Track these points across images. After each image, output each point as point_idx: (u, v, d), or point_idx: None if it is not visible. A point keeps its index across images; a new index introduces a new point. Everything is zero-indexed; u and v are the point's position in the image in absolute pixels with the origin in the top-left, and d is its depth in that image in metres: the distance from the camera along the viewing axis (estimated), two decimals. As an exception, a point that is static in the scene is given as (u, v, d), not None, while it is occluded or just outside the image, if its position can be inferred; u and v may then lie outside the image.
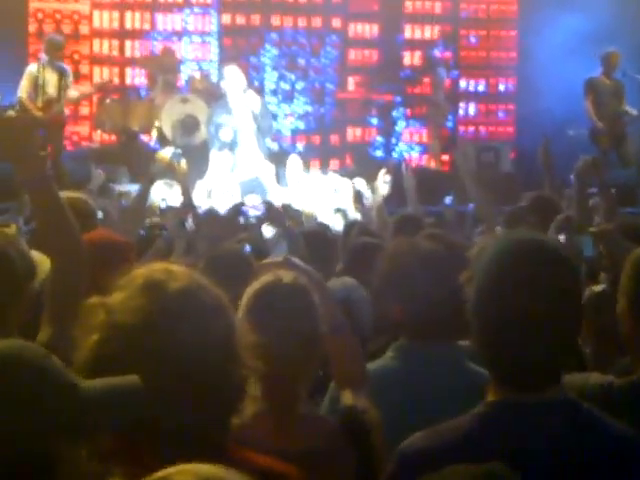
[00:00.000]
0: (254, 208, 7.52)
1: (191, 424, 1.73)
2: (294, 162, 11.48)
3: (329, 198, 10.59)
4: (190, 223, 6.31)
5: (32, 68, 11.78)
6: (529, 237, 2.15)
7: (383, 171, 9.79)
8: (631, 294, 2.64)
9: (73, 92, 12.03)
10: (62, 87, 11.71)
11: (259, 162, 11.20)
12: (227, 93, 11.32)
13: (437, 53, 14.80)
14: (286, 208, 7.09)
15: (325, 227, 6.62)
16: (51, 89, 11.64)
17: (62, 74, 11.77)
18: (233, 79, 11.30)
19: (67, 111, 12.20)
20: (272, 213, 5.88)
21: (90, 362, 1.74)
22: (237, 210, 6.61)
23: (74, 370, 1.71)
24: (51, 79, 11.67)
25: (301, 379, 2.60)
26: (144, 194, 5.76)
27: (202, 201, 10.03)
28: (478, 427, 2.06)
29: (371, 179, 9.62)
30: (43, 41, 12.25)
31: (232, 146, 11.12)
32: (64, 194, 4.28)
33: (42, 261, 4.37)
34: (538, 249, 2.08)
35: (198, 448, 1.73)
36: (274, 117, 14.11)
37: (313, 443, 2.49)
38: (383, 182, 9.52)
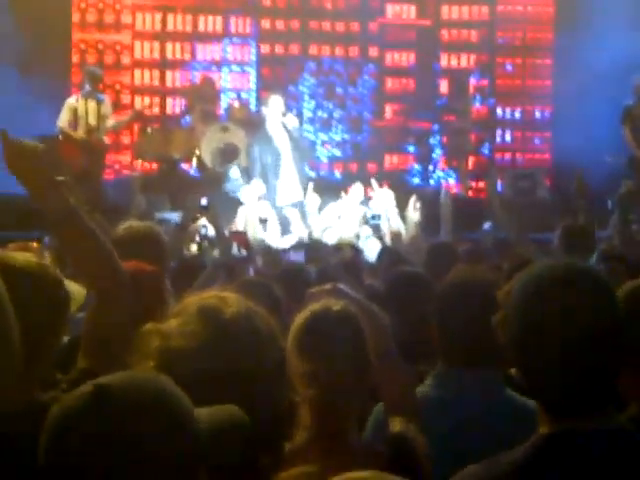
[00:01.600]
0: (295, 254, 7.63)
1: (242, 452, 1.71)
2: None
3: (364, 224, 10.67)
4: (241, 251, 6.38)
5: (71, 100, 12.02)
6: (569, 265, 2.13)
7: (414, 198, 9.88)
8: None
9: (112, 121, 12.24)
10: (101, 116, 11.94)
11: (298, 189, 11.32)
12: (267, 119, 11.46)
13: (473, 80, 14.92)
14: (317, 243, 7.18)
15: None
16: (91, 119, 11.87)
17: (100, 104, 11.99)
18: (274, 106, 11.47)
19: (107, 139, 12.40)
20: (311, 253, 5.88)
21: None
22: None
23: None
24: (90, 109, 11.89)
25: (350, 407, 2.58)
26: (185, 222, 5.86)
27: (240, 227, 10.20)
28: (534, 460, 2.02)
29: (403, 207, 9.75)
30: (83, 73, 12.49)
31: (275, 171, 11.25)
32: (134, 224, 4.39)
33: (74, 289, 4.47)
34: (579, 277, 2.07)
35: (249, 473, 1.76)
36: (312, 145, 14.29)
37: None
38: (414, 209, 9.61)
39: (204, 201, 7.77)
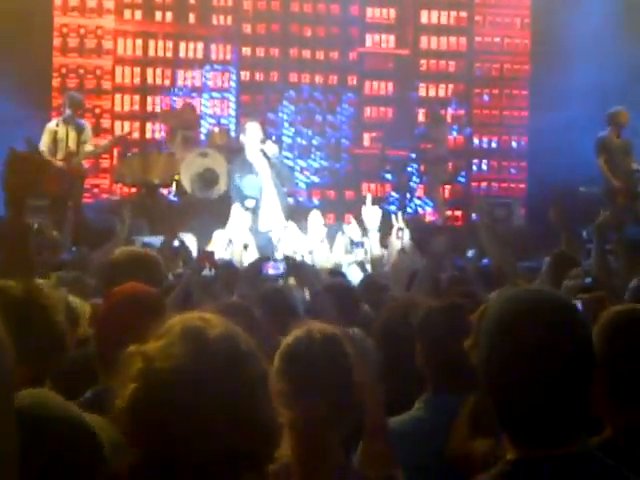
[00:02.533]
0: (274, 265, 7.65)
1: (226, 470, 1.74)
2: (315, 217, 11.63)
3: (345, 251, 10.73)
4: (207, 270, 6.43)
5: (51, 124, 12.07)
6: (540, 295, 2.12)
7: (396, 226, 9.97)
8: (601, 352, 2.48)
9: (91, 147, 12.27)
10: (81, 142, 11.99)
11: (279, 214, 11.37)
12: (245, 146, 11.50)
13: (450, 110, 15.09)
14: (302, 264, 7.22)
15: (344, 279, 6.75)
16: (70, 143, 11.92)
17: (81, 129, 12.05)
18: (251, 133, 11.49)
19: (86, 164, 12.43)
20: (294, 269, 5.92)
21: (130, 410, 1.74)
22: (257, 266, 6.76)
23: (114, 418, 1.76)
24: (70, 134, 11.94)
25: (333, 428, 2.55)
26: (166, 246, 5.92)
27: (221, 252, 10.22)
28: None
29: (386, 234, 9.80)
30: (63, 97, 12.53)
31: (255, 198, 11.28)
32: (130, 248, 4.45)
33: (83, 307, 4.52)
34: (550, 306, 2.06)
35: None
36: (291, 171, 14.37)
37: None
38: (396, 237, 9.70)
39: (176, 242, 7.80)
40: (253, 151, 11.22)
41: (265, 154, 11.13)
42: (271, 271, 7.31)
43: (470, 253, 8.92)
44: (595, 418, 3.47)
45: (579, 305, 4.13)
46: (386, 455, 2.70)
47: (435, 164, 14.12)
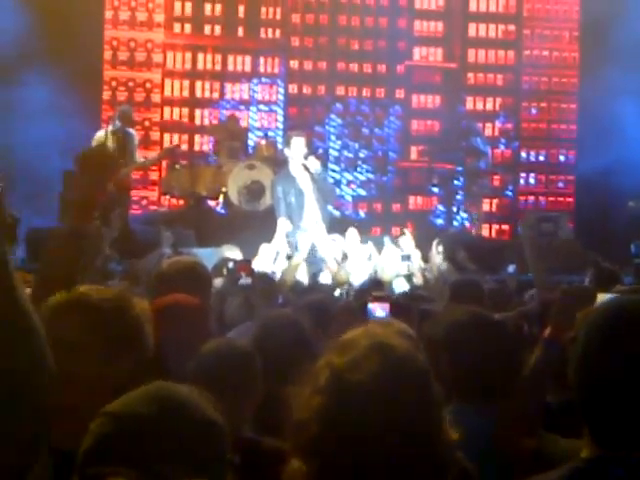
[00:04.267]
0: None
1: None
2: (352, 234, 11.64)
3: (394, 264, 10.72)
4: (245, 279, 6.47)
5: (100, 133, 12.17)
6: (632, 302, 2.17)
7: (436, 241, 9.99)
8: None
9: (140, 158, 12.38)
10: (128, 151, 12.09)
11: (321, 227, 11.40)
12: (289, 160, 11.55)
13: (498, 123, 15.07)
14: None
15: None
16: (118, 154, 12.02)
17: (128, 139, 12.15)
18: (296, 147, 11.54)
19: (134, 176, 12.55)
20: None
21: (318, 420, 1.77)
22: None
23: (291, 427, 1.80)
24: (118, 144, 12.05)
25: None
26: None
27: (268, 265, 10.27)
28: None
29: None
30: (115, 110, 12.60)
31: (298, 211, 11.33)
32: (181, 259, 4.50)
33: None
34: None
35: None
36: (337, 184, 14.43)
37: None
38: (437, 252, 9.71)
39: (231, 264, 7.81)
40: (296, 165, 11.27)
41: (307, 169, 11.17)
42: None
43: (511, 268, 8.88)
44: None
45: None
46: None
47: (474, 178, 14.08)
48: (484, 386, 3.27)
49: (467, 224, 14.30)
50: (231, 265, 7.23)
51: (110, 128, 12.10)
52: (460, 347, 3.44)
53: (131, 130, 12.32)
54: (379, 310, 4.42)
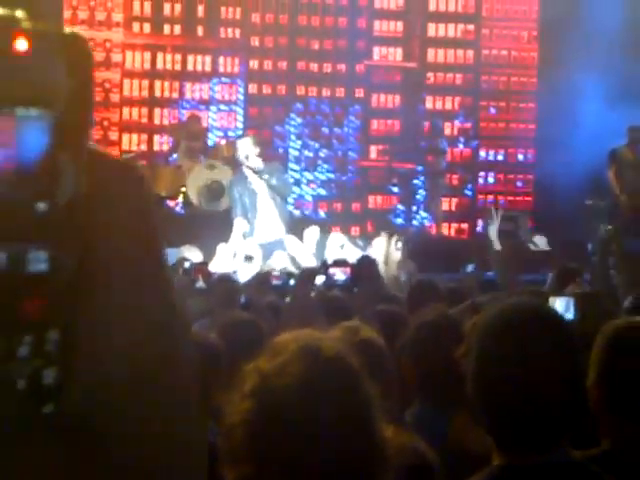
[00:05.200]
0: (276, 277, 7.69)
1: None
2: (313, 232, 11.69)
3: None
4: (201, 283, 6.44)
5: None
6: (529, 306, 2.20)
7: (395, 238, 10.04)
8: (601, 368, 2.63)
9: None
10: None
11: (279, 226, 11.43)
12: (242, 163, 11.58)
13: (457, 123, 15.14)
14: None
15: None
16: None
17: None
18: (242, 149, 11.58)
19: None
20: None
21: (245, 425, 1.77)
22: (261, 280, 6.79)
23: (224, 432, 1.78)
24: None
25: None
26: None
27: (225, 265, 10.27)
28: None
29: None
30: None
31: (252, 212, 11.38)
32: None
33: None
34: (534, 316, 2.14)
35: None
36: (297, 183, 14.44)
37: None
38: (395, 249, 9.76)
39: (187, 264, 7.75)
40: (250, 167, 11.36)
41: (251, 168, 11.26)
42: (275, 282, 7.36)
43: (470, 267, 8.94)
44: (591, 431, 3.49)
45: (566, 301, 4.13)
46: None
47: (433, 177, 14.15)
48: (446, 388, 3.27)
49: (427, 223, 14.36)
50: (187, 265, 7.21)
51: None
52: (422, 349, 3.46)
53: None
54: (339, 273, 4.45)
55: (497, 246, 6.31)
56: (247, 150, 11.44)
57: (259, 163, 11.37)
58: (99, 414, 1.52)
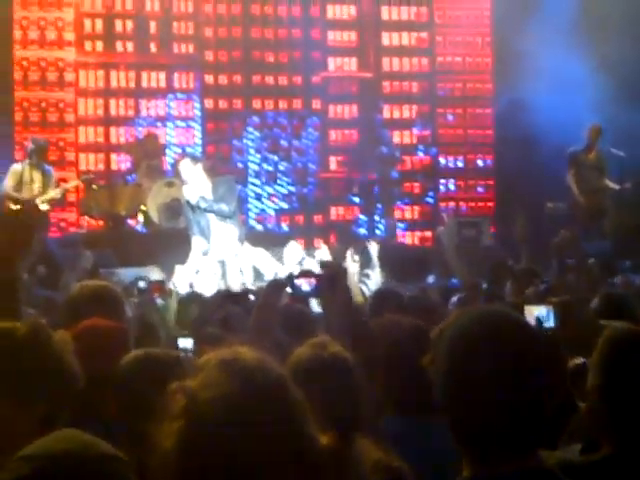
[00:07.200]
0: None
1: None
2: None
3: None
4: (160, 300, 6.38)
5: (17, 166, 12.08)
6: (496, 314, 2.16)
7: (351, 250, 10.07)
8: (602, 372, 2.64)
9: (56, 192, 12.19)
10: (46, 186, 11.97)
11: (233, 244, 11.34)
12: (186, 183, 11.51)
13: (415, 130, 15.16)
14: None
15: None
16: (36, 186, 11.91)
17: (46, 175, 12.06)
18: (187, 171, 11.51)
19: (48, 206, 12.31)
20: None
21: (180, 446, 1.75)
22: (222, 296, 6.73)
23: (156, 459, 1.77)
24: (36, 177, 11.95)
25: None
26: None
27: (184, 283, 10.20)
28: None
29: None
30: (30, 143, 12.35)
31: (207, 230, 11.30)
32: (89, 283, 4.44)
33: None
34: (505, 326, 2.10)
35: None
36: (258, 198, 14.38)
37: None
38: (352, 261, 9.78)
39: (142, 284, 7.74)
40: (193, 188, 11.29)
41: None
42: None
43: (431, 279, 8.94)
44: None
45: (546, 310, 4.18)
46: None
47: (386, 185, 14.18)
48: (418, 399, 3.22)
49: (398, 232, 14.40)
50: (142, 285, 7.15)
51: (27, 162, 11.95)
52: (394, 359, 3.40)
53: (48, 167, 12.22)
54: (304, 284, 4.41)
55: (451, 252, 6.32)
56: (188, 171, 11.37)
57: (204, 180, 11.31)
58: None
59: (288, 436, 1.78)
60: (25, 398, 2.53)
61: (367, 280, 8.99)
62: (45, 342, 2.66)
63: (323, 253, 11.05)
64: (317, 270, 4.38)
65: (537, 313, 4.13)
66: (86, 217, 13.70)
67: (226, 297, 6.68)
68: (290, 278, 4.33)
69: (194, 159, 11.81)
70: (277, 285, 4.45)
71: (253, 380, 1.80)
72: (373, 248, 10.41)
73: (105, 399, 3.23)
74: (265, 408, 1.78)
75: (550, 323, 4.11)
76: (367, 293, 7.43)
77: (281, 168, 14.74)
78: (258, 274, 10.88)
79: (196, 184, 11.30)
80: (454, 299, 6.89)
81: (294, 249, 11.46)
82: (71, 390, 2.70)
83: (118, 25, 14.41)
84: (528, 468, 2.05)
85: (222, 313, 5.51)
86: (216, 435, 1.74)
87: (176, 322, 5.72)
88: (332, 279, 4.16)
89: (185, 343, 4.42)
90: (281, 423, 1.78)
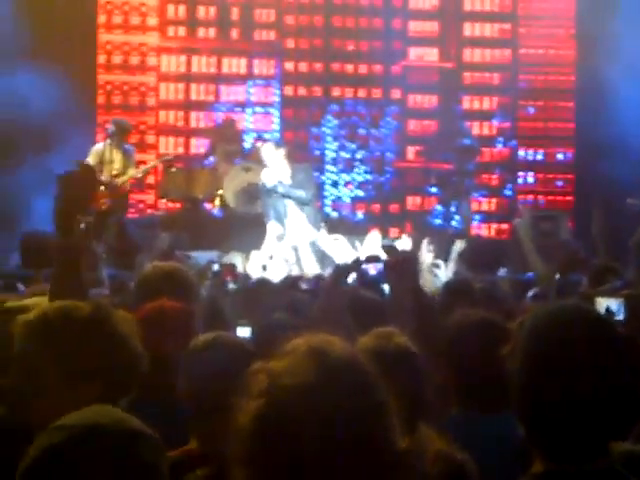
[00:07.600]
0: (306, 282, 7.65)
1: None
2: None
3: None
4: (232, 284, 6.40)
5: (99, 146, 12.29)
6: (577, 310, 2.14)
7: (427, 240, 9.97)
8: None
9: (137, 171, 12.44)
10: (126, 166, 12.18)
11: (309, 230, 11.39)
12: (267, 167, 11.61)
13: (495, 122, 15.02)
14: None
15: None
16: (117, 165, 12.12)
17: (127, 154, 12.26)
18: (269, 155, 11.60)
19: (129, 184, 12.54)
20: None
21: (255, 425, 1.77)
22: (290, 283, 6.73)
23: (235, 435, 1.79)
24: (117, 157, 12.15)
25: None
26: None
27: (259, 269, 10.26)
28: None
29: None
30: (112, 124, 12.56)
31: (284, 215, 11.38)
32: (162, 264, 4.48)
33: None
34: (586, 323, 2.08)
35: None
36: (334, 185, 14.39)
37: None
38: (427, 251, 9.70)
39: (216, 267, 7.77)
40: (274, 172, 11.40)
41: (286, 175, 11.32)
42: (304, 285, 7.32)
43: (502, 272, 8.82)
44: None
45: (616, 302, 4.11)
46: None
47: (460, 177, 14.02)
48: (487, 392, 3.20)
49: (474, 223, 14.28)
50: (216, 268, 7.19)
51: (109, 142, 12.14)
52: (462, 352, 3.37)
53: (129, 147, 12.40)
54: (371, 269, 4.39)
55: (527, 245, 6.25)
56: (269, 156, 11.47)
57: (285, 166, 11.38)
58: None
59: (365, 439, 1.76)
60: (82, 377, 2.56)
61: (437, 270, 8.93)
62: (106, 322, 2.69)
63: (404, 242, 11.01)
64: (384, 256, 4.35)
65: (607, 304, 4.07)
66: (164, 199, 13.86)
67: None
68: (357, 263, 4.31)
69: (277, 145, 11.90)
70: (344, 269, 4.44)
71: (340, 377, 1.79)
72: (457, 246, 10.29)
73: (169, 382, 3.24)
74: (346, 408, 1.76)
75: (620, 316, 4.05)
76: (437, 284, 7.36)
77: (358, 156, 14.72)
78: (332, 261, 10.90)
79: (276, 169, 11.39)
80: (530, 293, 6.81)
81: (375, 238, 11.46)
82: (134, 372, 2.72)
83: (201, 11, 14.53)
84: (599, 468, 2.03)
85: (287, 299, 5.51)
86: (291, 424, 1.74)
87: (244, 307, 5.72)
88: (396, 265, 4.13)
89: (243, 332, 4.40)
90: (360, 425, 1.76)
